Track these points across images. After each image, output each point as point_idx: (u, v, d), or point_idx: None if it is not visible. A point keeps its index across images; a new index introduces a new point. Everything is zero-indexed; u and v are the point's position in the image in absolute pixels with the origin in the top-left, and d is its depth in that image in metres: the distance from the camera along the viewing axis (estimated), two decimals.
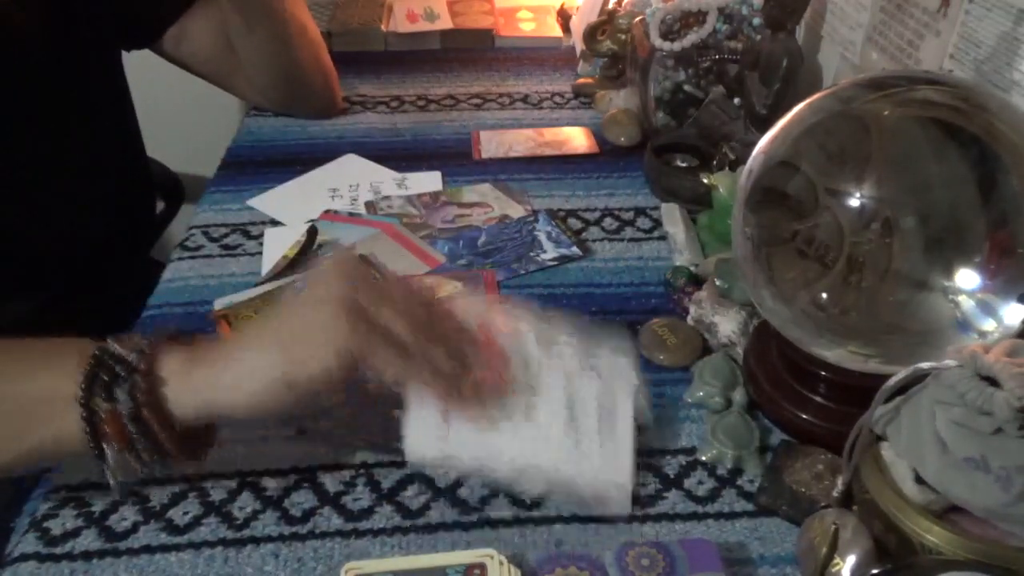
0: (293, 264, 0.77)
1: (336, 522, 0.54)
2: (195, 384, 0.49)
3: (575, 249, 0.80)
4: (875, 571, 0.45)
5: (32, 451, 0.50)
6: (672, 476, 0.57)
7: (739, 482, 0.57)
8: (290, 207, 0.86)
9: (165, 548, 0.53)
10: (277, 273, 0.76)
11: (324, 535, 0.53)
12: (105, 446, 0.48)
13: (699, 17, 0.88)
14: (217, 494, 0.56)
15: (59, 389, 0.48)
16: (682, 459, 0.59)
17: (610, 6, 1.10)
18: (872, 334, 0.57)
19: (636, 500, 0.55)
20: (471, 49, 1.27)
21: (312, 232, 0.81)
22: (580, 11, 1.24)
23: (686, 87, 0.93)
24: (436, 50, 1.26)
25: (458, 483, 0.57)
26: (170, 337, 0.51)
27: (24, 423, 0.49)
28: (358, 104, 1.08)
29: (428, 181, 0.91)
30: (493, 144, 0.98)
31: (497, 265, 0.77)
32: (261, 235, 0.82)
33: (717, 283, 0.68)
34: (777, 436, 0.61)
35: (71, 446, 0.48)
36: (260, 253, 0.79)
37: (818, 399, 0.59)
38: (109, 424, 0.47)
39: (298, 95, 1.01)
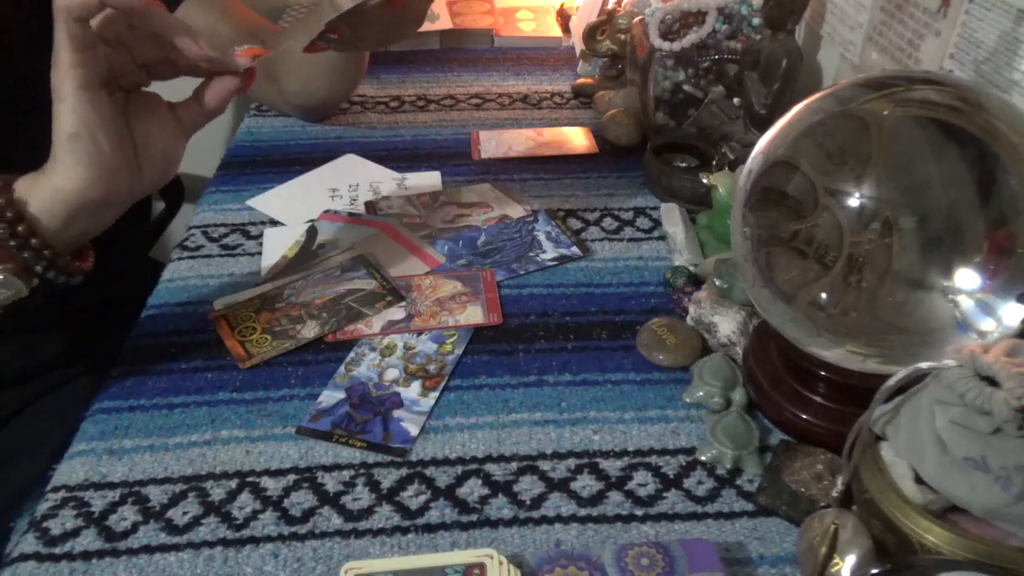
0: (293, 264, 0.77)
1: (336, 522, 0.54)
2: (44, 191, 0.55)
3: (575, 249, 0.80)
4: (875, 571, 0.45)
5: None
6: (672, 476, 0.58)
7: (738, 482, 0.57)
8: (290, 207, 0.86)
9: (165, 548, 0.53)
10: (277, 273, 0.76)
11: (324, 535, 0.54)
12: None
13: (698, 17, 0.89)
14: (217, 494, 0.56)
15: None
16: (681, 459, 0.59)
17: (610, 6, 1.11)
18: (872, 334, 0.57)
19: (636, 500, 0.56)
20: (471, 49, 1.27)
21: (312, 232, 0.81)
22: (580, 11, 1.24)
23: (686, 87, 0.93)
24: (436, 50, 1.26)
25: (458, 483, 0.57)
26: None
27: None
28: (358, 104, 1.08)
29: (428, 181, 0.91)
30: (493, 144, 0.98)
31: (497, 265, 0.77)
32: (261, 235, 0.82)
33: (717, 283, 0.68)
34: (777, 436, 0.61)
35: None
36: (260, 253, 0.79)
37: (818, 399, 0.59)
38: None
39: (331, 104, 1.03)
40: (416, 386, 0.64)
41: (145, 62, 0.58)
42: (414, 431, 0.60)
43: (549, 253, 0.79)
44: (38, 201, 0.55)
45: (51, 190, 0.55)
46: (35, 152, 0.71)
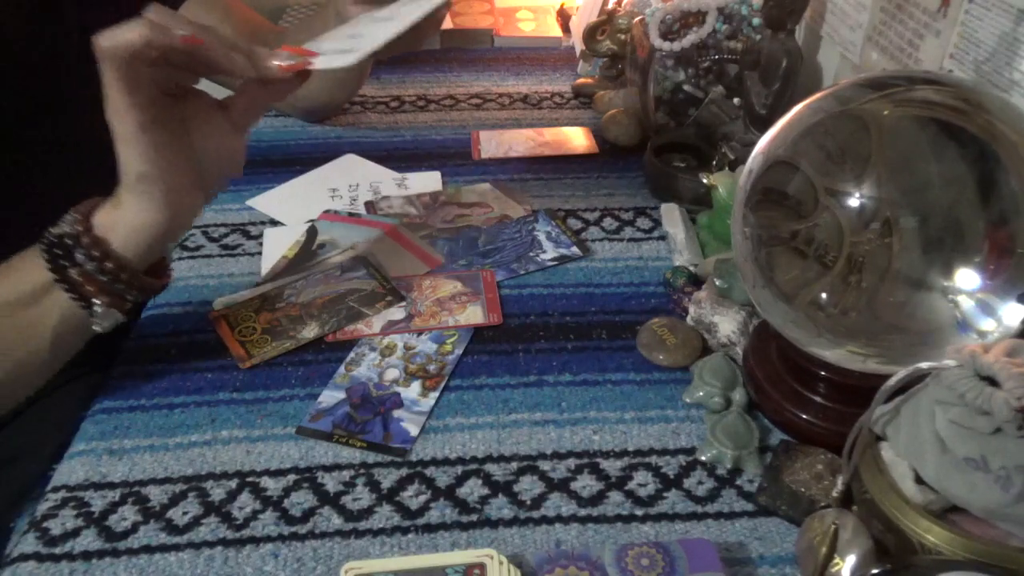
0: (293, 264, 0.77)
1: (336, 522, 0.54)
2: (123, 228, 0.57)
3: (575, 249, 0.80)
4: (875, 571, 0.45)
5: (57, 342, 0.58)
6: (672, 476, 0.57)
7: (739, 482, 0.57)
8: (290, 207, 0.86)
9: (165, 548, 0.53)
10: (277, 273, 0.76)
11: (324, 535, 0.53)
12: (94, 301, 0.57)
13: (699, 17, 0.89)
14: (217, 494, 0.56)
15: (37, 284, 0.56)
16: (682, 459, 0.59)
17: (610, 6, 1.11)
18: (872, 334, 0.57)
19: (636, 500, 0.56)
20: (471, 49, 1.27)
21: (312, 232, 0.81)
22: (580, 11, 1.24)
23: (686, 87, 0.93)
24: (436, 50, 1.26)
25: (458, 483, 0.57)
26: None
27: (33, 327, 0.57)
28: (358, 104, 1.08)
29: (428, 181, 0.91)
30: (493, 144, 0.98)
31: (497, 265, 0.77)
32: (261, 235, 0.82)
33: (717, 283, 0.68)
34: (777, 436, 0.61)
35: (73, 319, 0.57)
36: (260, 253, 0.79)
37: (818, 399, 0.59)
38: (88, 285, 0.56)
39: (332, 106, 1.03)
40: (416, 386, 0.64)
41: (185, 65, 0.57)
42: (414, 431, 0.60)
43: (549, 253, 0.79)
44: (120, 238, 0.56)
45: (129, 226, 0.56)
46: (43, 146, 0.70)
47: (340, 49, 0.61)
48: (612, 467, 0.58)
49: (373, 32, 0.63)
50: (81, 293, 0.56)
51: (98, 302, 0.57)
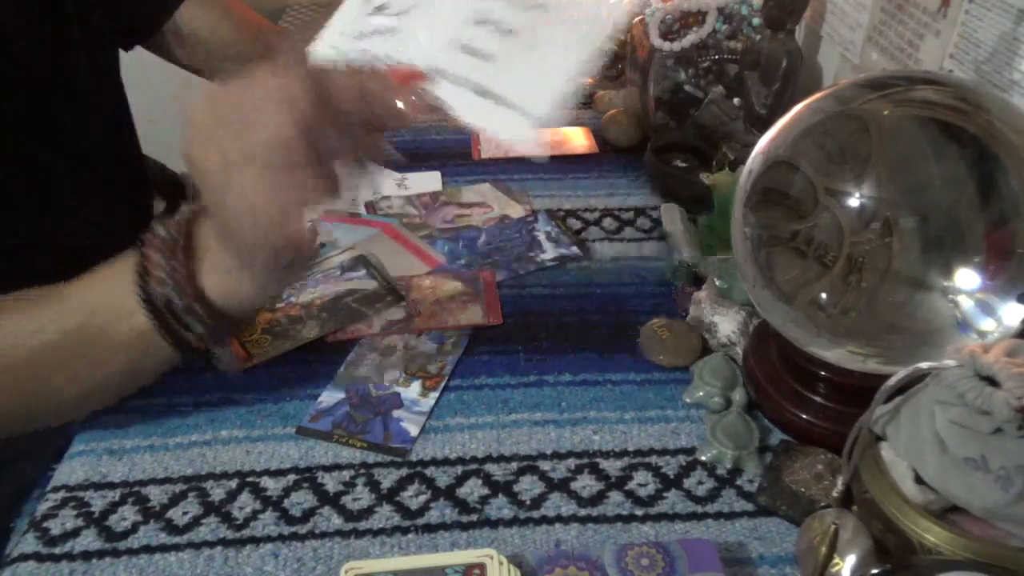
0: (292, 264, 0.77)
1: (336, 522, 0.54)
2: (242, 298, 0.53)
3: (575, 249, 0.80)
4: (875, 571, 0.45)
5: (152, 379, 0.57)
6: (672, 476, 0.57)
7: (739, 482, 0.57)
8: None
9: (165, 548, 0.53)
10: None
11: (324, 535, 0.53)
12: (213, 353, 0.59)
13: (699, 17, 0.89)
14: (217, 494, 0.56)
15: (137, 331, 0.52)
16: (682, 459, 0.59)
17: None
18: (872, 334, 0.57)
19: (636, 500, 0.56)
20: None
21: (312, 232, 0.81)
22: None
23: (686, 87, 0.93)
24: None
25: (458, 483, 0.57)
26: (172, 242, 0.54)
27: (133, 367, 0.55)
28: None
29: (428, 181, 0.91)
30: (493, 144, 0.98)
31: (497, 265, 0.77)
32: None
33: (717, 283, 0.68)
34: (777, 436, 0.61)
35: (173, 362, 0.55)
36: None
37: (818, 399, 0.59)
38: (204, 344, 0.54)
39: None
40: (416, 386, 0.64)
41: None
42: (414, 431, 0.60)
43: (549, 253, 0.79)
44: (236, 306, 0.53)
45: (249, 296, 0.53)
46: (44, 147, 0.69)
47: (477, 87, 0.46)
48: (612, 467, 0.58)
49: (520, 67, 0.45)
50: (195, 348, 0.54)
51: (216, 353, 0.58)
